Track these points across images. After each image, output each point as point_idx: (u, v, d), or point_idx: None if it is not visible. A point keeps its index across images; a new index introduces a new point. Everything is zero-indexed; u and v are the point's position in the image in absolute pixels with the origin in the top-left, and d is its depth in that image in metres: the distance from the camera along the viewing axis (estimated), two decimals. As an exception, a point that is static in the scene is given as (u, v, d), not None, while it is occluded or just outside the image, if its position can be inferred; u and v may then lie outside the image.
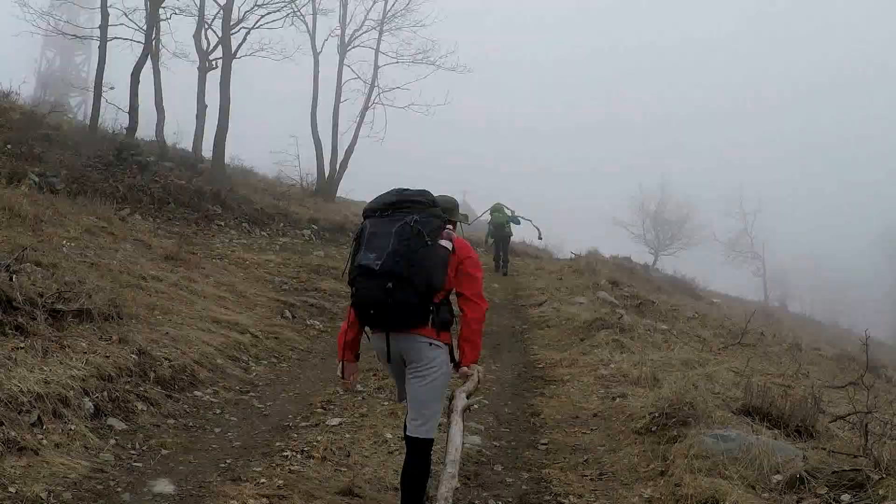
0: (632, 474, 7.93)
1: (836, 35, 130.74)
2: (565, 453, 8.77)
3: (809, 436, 8.73)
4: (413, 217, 5.93)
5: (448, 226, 6.24)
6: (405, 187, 6.24)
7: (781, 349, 19.92)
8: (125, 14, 29.45)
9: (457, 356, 6.17)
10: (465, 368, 6.15)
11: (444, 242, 6.02)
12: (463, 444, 5.93)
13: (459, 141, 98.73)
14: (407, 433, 6.23)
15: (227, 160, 31.60)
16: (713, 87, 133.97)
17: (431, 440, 6.13)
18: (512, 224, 25.35)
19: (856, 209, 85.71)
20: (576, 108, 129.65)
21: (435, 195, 6.40)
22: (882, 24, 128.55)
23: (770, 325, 26.03)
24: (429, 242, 5.88)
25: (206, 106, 31.25)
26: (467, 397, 6.10)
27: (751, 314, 20.40)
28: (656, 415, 8.94)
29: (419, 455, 6.12)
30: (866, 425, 8.13)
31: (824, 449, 7.91)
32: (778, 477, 7.12)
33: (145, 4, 29.30)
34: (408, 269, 5.77)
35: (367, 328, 6.37)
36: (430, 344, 6.00)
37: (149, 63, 28.65)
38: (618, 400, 10.44)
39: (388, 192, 6.23)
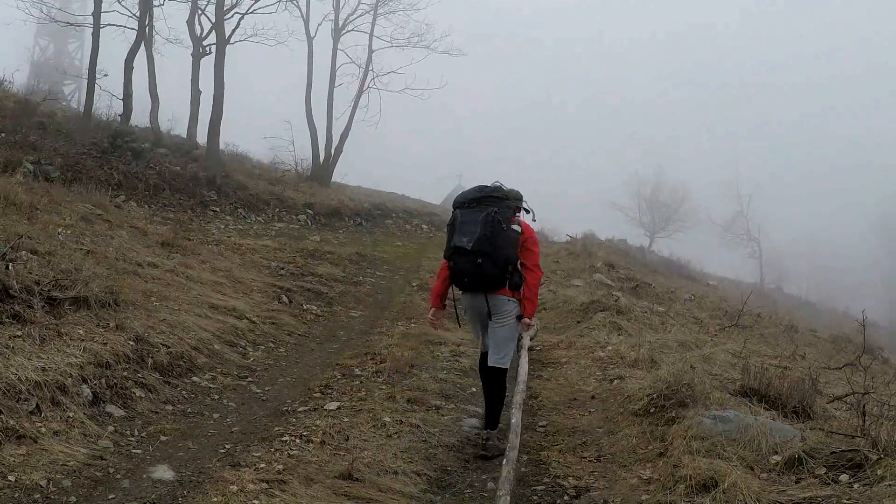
0: (630, 455, 7.94)
1: (837, 23, 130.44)
2: (563, 435, 8.80)
3: (807, 417, 8.72)
4: (493, 209, 8.03)
5: (517, 213, 8.36)
6: (485, 184, 8.35)
7: (778, 331, 19.96)
8: (118, 1, 29.39)
9: (520, 311, 8.25)
10: (527, 320, 8.34)
11: (514, 227, 8.16)
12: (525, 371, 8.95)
13: (457, 127, 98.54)
14: (489, 364, 8.34)
15: (221, 146, 31.54)
16: (709, 75, 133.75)
17: (507, 368, 8.40)
18: None
19: (851, 194, 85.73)
20: (573, 97, 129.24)
21: (507, 188, 8.47)
22: (881, 16, 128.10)
23: (766, 307, 26.01)
24: (504, 228, 8.01)
25: (201, 92, 31.07)
26: (530, 339, 8.51)
27: (747, 296, 20.39)
28: (654, 396, 8.94)
29: (499, 378, 8.41)
30: (864, 406, 8.12)
31: (822, 430, 7.88)
32: (776, 457, 7.12)
33: (138, -9, 29.17)
34: (491, 248, 7.93)
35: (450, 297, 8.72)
36: (508, 300, 8.18)
37: (142, 50, 28.57)
38: (616, 382, 10.45)
39: (471, 189, 8.42)
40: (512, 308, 8.21)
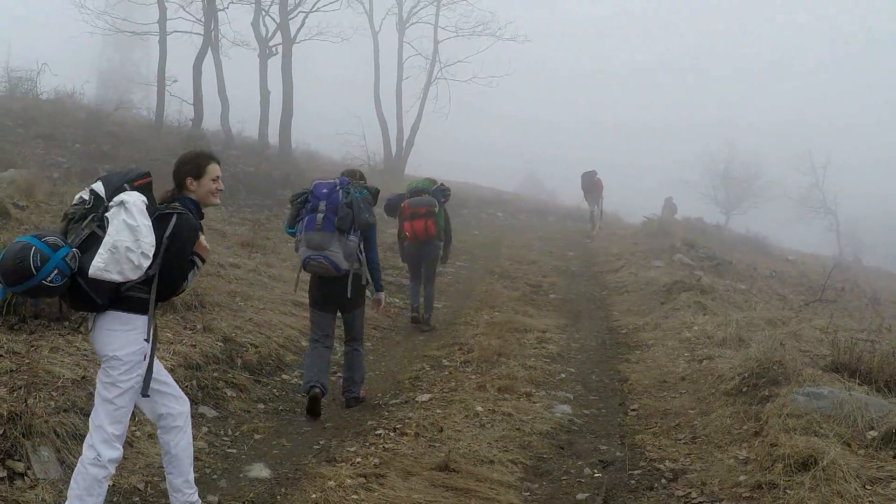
0: (725, 436, 7.85)
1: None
2: (656, 418, 8.73)
3: (900, 390, 8.58)
4: (598, 178, 28.41)
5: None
6: (587, 171, 28.31)
7: (861, 304, 19.67)
8: (182, 7, 29.73)
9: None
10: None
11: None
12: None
13: (523, 111, 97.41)
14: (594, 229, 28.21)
15: (292, 144, 31.72)
16: (776, 43, 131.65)
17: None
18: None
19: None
20: (642, 60, 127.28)
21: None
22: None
23: (847, 280, 25.64)
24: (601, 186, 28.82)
25: (270, 92, 31.25)
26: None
27: (830, 270, 20.10)
28: (746, 375, 8.87)
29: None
30: (957, 378, 8.00)
31: (917, 403, 7.78)
32: (873, 433, 7.04)
33: (202, -4, 29.44)
34: (596, 191, 28.79)
35: None
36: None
37: (209, 54, 28.85)
38: (705, 362, 10.36)
39: (589, 172, 28.33)
40: None
